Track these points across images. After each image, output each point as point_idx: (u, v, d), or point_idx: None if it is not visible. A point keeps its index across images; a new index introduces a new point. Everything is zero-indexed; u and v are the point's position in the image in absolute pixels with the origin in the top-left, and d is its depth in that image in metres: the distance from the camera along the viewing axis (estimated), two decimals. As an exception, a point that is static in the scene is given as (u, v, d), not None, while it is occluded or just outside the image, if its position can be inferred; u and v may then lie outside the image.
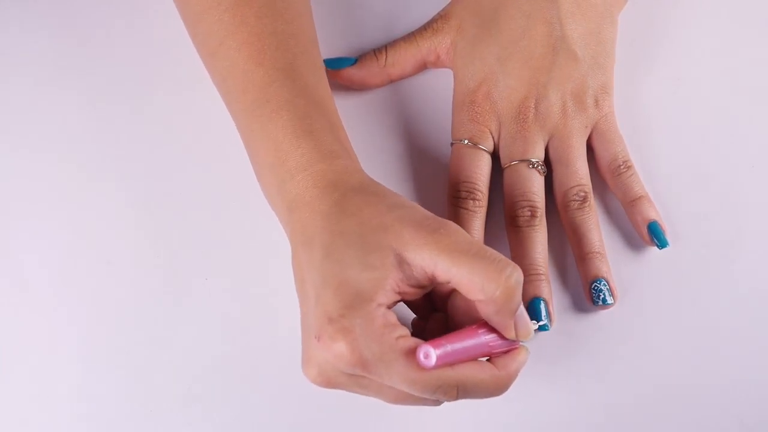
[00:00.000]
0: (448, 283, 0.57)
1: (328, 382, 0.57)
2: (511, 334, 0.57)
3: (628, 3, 0.71)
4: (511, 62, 0.68)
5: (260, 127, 0.61)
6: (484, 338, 0.57)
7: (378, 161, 0.70)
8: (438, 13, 0.71)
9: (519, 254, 0.66)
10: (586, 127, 0.68)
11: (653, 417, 0.65)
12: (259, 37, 0.63)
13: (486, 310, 0.57)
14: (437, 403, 0.59)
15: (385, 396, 0.58)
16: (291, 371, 0.64)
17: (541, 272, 0.66)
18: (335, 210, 0.58)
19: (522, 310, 0.58)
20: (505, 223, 0.67)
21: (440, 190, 0.69)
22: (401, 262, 0.56)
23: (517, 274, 0.56)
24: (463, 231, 0.57)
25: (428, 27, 0.71)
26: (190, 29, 0.66)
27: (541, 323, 0.65)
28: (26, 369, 0.66)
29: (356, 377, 0.57)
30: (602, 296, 0.66)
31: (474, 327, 0.58)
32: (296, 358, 0.61)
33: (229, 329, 0.67)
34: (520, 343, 0.59)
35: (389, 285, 0.56)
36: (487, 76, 0.68)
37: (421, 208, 0.59)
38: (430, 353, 0.55)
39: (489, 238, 0.68)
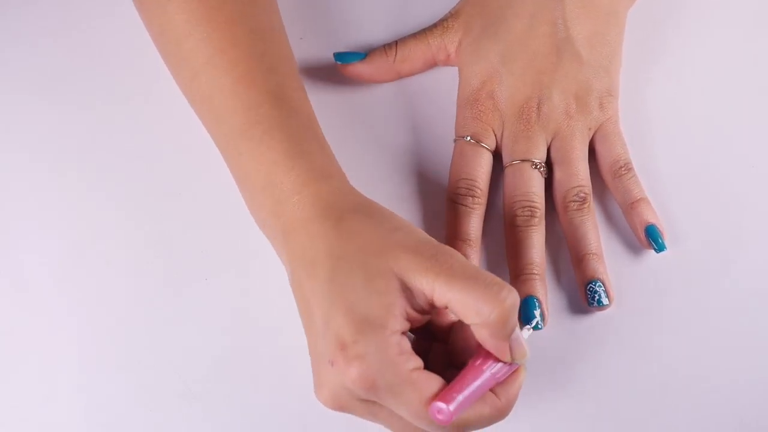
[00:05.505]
0: (446, 307, 0.56)
1: (341, 406, 0.57)
2: (506, 357, 0.57)
3: (636, 3, 0.71)
4: (515, 62, 0.68)
5: (250, 150, 0.61)
6: (489, 373, 0.57)
7: (381, 156, 0.70)
8: (449, 12, 0.71)
9: (516, 253, 0.66)
10: (590, 129, 0.68)
11: (652, 417, 0.65)
12: (250, 58, 0.62)
13: (481, 334, 0.56)
14: None
15: (395, 425, 0.58)
16: (291, 371, 0.65)
17: (536, 272, 0.65)
18: (334, 233, 0.58)
19: (517, 331, 0.57)
20: (504, 222, 0.67)
21: (443, 185, 0.69)
22: (404, 288, 0.56)
23: (512, 297, 0.55)
24: (460, 255, 0.57)
25: (438, 25, 0.70)
26: (172, 48, 0.64)
27: (533, 323, 0.65)
28: (26, 369, 0.66)
29: (368, 404, 0.57)
30: (597, 297, 0.66)
31: (477, 364, 0.57)
32: (296, 358, 0.62)
33: (228, 329, 0.67)
34: (519, 365, 0.58)
35: (398, 311, 0.56)
36: (491, 75, 0.68)
37: (418, 230, 0.59)
38: (444, 410, 0.55)
39: (488, 237, 0.68)
